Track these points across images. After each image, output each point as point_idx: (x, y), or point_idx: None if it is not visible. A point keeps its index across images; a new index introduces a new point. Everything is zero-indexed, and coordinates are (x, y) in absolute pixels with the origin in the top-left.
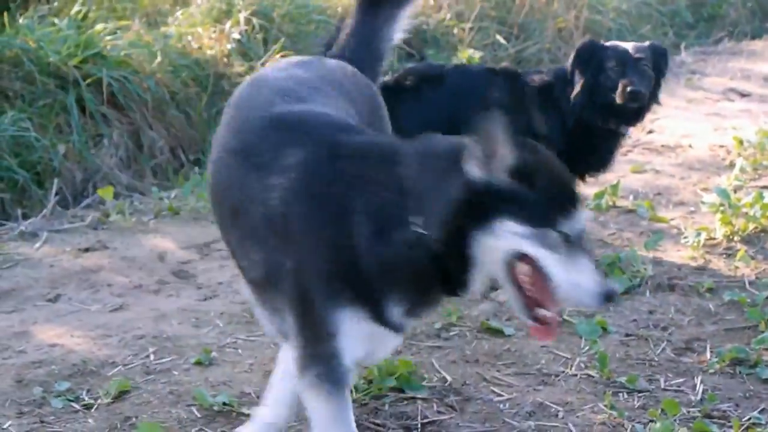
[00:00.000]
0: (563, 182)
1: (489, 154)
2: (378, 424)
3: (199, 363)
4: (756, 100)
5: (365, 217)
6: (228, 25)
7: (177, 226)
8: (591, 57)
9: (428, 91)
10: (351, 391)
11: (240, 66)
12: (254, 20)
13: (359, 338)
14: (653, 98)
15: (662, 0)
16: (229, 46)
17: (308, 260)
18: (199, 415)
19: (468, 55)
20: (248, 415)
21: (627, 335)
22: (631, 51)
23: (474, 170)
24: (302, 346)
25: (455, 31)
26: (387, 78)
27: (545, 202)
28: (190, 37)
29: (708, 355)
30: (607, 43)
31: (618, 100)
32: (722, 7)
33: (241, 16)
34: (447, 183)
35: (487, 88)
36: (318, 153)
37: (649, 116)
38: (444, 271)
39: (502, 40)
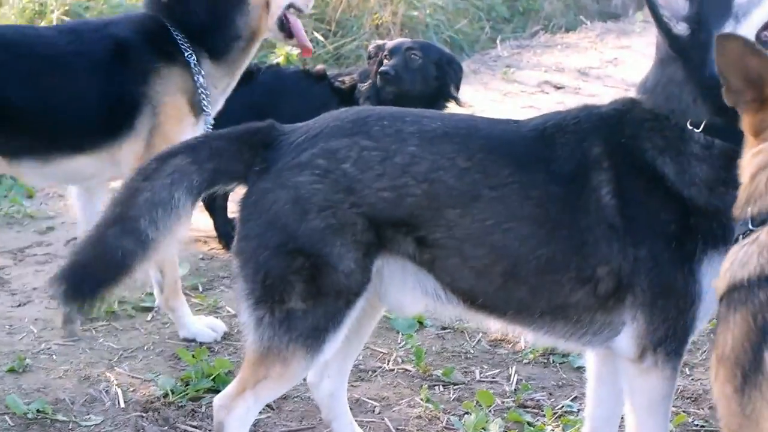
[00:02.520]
0: None
1: None
2: (195, 426)
3: (12, 370)
4: (570, 92)
5: None
6: (41, 25)
7: None
8: (376, 54)
9: (237, 87)
10: (167, 394)
11: None
12: (67, 20)
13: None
14: (445, 96)
15: None
16: None
17: None
18: (12, 424)
19: (286, 52)
20: (63, 422)
21: (443, 329)
22: (402, 44)
23: None
24: (656, 325)
25: None
26: None
27: None
28: None
29: (522, 345)
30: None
31: (378, 83)
32: (537, 0)
33: (54, 16)
34: None
35: (297, 89)
36: None
37: (462, 111)
38: None
39: (320, 37)
